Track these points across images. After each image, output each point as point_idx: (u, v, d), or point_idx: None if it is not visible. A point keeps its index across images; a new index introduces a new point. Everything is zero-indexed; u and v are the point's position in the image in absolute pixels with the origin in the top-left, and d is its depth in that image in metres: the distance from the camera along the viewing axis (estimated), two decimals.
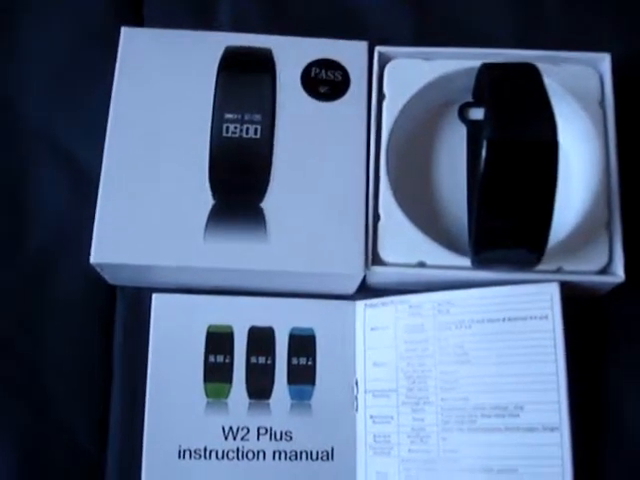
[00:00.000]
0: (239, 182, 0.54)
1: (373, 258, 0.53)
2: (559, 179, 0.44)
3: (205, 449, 0.51)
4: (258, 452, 0.51)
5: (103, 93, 0.55)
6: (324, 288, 0.54)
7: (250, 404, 0.52)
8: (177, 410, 0.51)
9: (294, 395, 0.52)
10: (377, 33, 0.60)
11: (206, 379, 0.52)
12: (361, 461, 0.52)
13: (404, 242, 0.52)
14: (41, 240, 0.57)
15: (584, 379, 0.52)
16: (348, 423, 0.52)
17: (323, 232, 0.52)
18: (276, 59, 0.56)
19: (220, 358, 0.52)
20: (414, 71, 0.56)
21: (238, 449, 0.51)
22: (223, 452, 0.51)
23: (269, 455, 0.51)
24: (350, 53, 0.57)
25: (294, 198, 0.53)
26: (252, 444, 0.51)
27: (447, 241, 0.53)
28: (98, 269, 0.53)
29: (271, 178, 0.53)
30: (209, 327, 0.53)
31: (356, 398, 0.53)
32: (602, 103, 0.55)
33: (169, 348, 0.52)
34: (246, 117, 0.55)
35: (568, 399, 0.49)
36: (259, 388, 0.52)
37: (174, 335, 0.53)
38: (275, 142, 0.54)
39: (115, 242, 0.52)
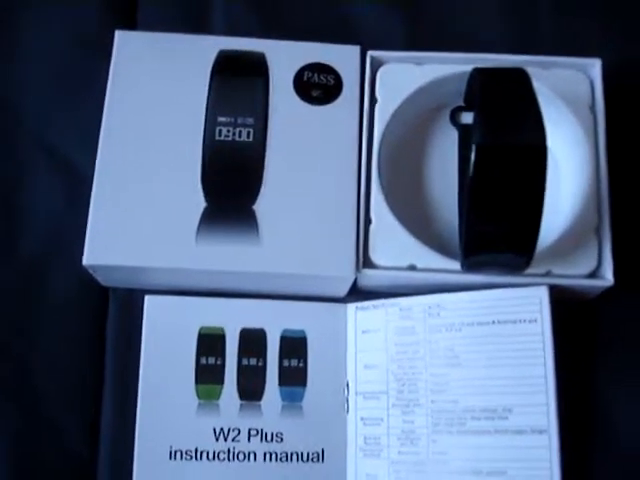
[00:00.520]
0: (231, 185, 0.54)
1: (364, 261, 0.53)
2: (548, 183, 0.45)
3: (196, 450, 0.51)
4: (249, 453, 0.52)
5: (98, 97, 0.55)
6: (316, 290, 0.55)
7: (241, 405, 0.52)
8: (168, 411, 0.51)
9: (285, 397, 0.53)
10: (369, 38, 0.60)
11: (198, 380, 0.52)
12: (351, 463, 0.52)
13: (395, 245, 0.53)
14: (35, 242, 0.57)
15: (573, 382, 0.52)
16: (339, 425, 0.53)
17: (315, 235, 0.53)
18: (269, 63, 0.56)
19: (212, 360, 0.53)
20: (406, 75, 0.56)
21: (229, 450, 0.51)
22: (214, 453, 0.51)
23: (260, 456, 0.51)
24: (343, 57, 0.57)
25: (286, 201, 0.53)
26: (243, 445, 0.52)
27: (438, 245, 0.53)
28: (91, 271, 0.53)
29: (263, 181, 0.54)
30: (201, 329, 0.53)
31: (347, 400, 0.53)
32: (592, 108, 0.55)
33: (161, 349, 0.52)
34: (239, 120, 0.55)
35: (557, 402, 0.49)
36: (250, 390, 0.53)
37: (166, 336, 0.53)
38: (267, 145, 0.55)
39: (108, 244, 0.52)
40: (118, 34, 0.57)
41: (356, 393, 0.53)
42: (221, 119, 0.55)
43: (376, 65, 0.57)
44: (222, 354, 0.53)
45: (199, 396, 0.52)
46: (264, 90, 0.56)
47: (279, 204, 0.53)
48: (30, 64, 0.61)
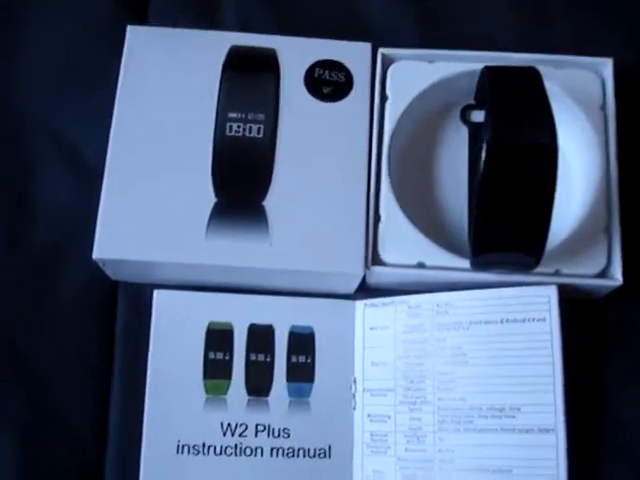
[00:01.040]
0: (242, 180, 0.54)
1: (373, 258, 0.53)
2: (559, 182, 0.45)
3: (203, 445, 0.51)
4: (256, 448, 0.52)
5: (108, 90, 0.55)
6: (324, 287, 0.55)
7: (249, 401, 0.52)
8: (176, 405, 0.52)
9: (292, 392, 0.53)
10: (381, 35, 0.60)
11: (205, 375, 0.52)
12: (358, 459, 0.52)
13: (404, 243, 0.53)
14: (45, 235, 0.57)
15: (581, 382, 0.52)
16: (346, 421, 0.53)
17: (324, 231, 0.53)
18: (280, 59, 0.57)
19: (220, 355, 0.53)
20: (417, 73, 0.56)
21: (236, 445, 0.52)
22: (221, 448, 0.51)
23: (267, 452, 0.52)
24: (354, 54, 0.57)
25: (296, 197, 0.53)
26: (250, 440, 0.52)
27: (447, 242, 0.53)
28: (100, 264, 0.53)
29: (273, 177, 0.54)
30: (209, 324, 0.53)
31: (354, 397, 0.53)
32: (603, 108, 0.55)
33: (169, 344, 0.53)
34: (249, 116, 0.55)
35: (564, 401, 0.49)
36: (258, 385, 0.53)
37: (175, 331, 0.53)
38: (278, 141, 0.55)
39: (117, 238, 0.52)
40: (129, 29, 0.57)
41: (363, 390, 0.53)
42: (232, 115, 0.55)
43: (387, 62, 0.57)
44: (230, 349, 0.53)
45: (207, 391, 0.52)
46: (275, 86, 0.56)
47: (289, 200, 0.53)
48: (42, 58, 0.61)
